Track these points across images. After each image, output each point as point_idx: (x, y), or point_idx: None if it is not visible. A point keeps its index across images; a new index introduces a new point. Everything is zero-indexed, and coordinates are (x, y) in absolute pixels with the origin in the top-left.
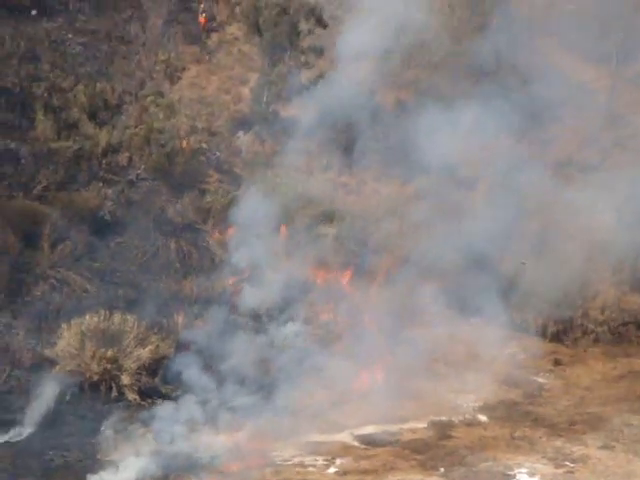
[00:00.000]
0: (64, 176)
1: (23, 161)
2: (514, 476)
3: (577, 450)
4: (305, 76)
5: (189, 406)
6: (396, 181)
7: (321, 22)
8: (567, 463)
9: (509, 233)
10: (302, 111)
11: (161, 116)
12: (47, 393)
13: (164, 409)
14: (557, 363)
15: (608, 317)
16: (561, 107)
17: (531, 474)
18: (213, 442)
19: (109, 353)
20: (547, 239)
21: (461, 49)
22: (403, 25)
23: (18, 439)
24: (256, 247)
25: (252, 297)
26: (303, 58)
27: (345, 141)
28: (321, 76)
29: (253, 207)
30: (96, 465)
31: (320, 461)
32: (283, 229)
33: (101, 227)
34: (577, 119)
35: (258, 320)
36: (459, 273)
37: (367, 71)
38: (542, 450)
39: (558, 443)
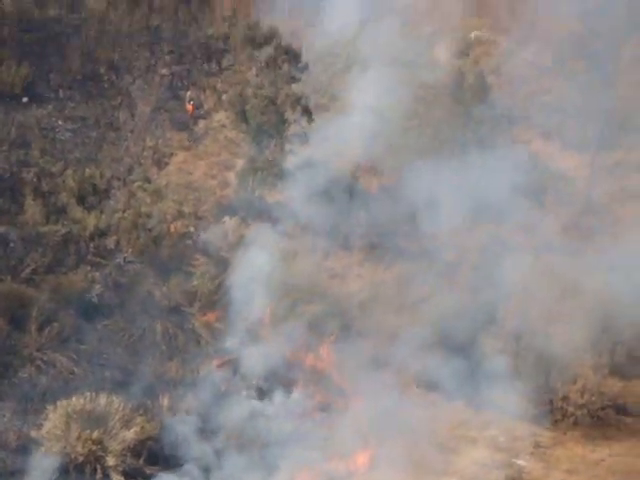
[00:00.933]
0: (52, 259)
1: (12, 245)
2: None
3: None
4: (291, 162)
5: None
6: (379, 265)
7: (307, 111)
8: None
9: (488, 318)
10: (288, 196)
11: (148, 201)
12: (33, 475)
13: None
14: (537, 446)
15: (588, 400)
16: (542, 194)
17: None
18: None
19: (94, 435)
20: (526, 325)
21: (444, 137)
22: (386, 113)
23: None
24: (242, 327)
25: (239, 373)
26: (289, 146)
27: (330, 225)
28: (306, 163)
29: (239, 289)
30: None
31: None
32: (268, 311)
33: (89, 309)
34: (557, 206)
35: (245, 396)
36: (441, 356)
37: (351, 158)
38: None
39: None
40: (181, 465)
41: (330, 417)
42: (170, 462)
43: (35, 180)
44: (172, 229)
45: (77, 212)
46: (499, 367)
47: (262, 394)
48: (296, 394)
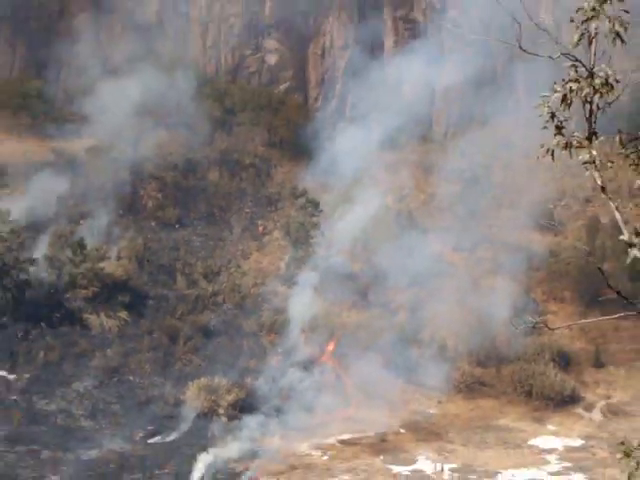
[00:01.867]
0: (191, 307)
1: (170, 300)
2: (416, 459)
3: (449, 446)
4: (313, 256)
5: (254, 424)
6: (361, 309)
7: (321, 231)
8: (444, 453)
9: (419, 333)
10: (311, 273)
11: (240, 277)
12: (182, 417)
13: (241, 424)
14: (439, 402)
15: (465, 379)
16: (443, 272)
17: (426, 457)
18: (266, 442)
19: (212, 397)
20: (438, 337)
21: (391, 242)
22: (361, 231)
23: (168, 439)
24: (290, 341)
25: (289, 362)
26: (311, 249)
27: (335, 289)
28: (322, 256)
29: (287, 321)
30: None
31: (319, 453)
32: (303, 332)
33: (209, 333)
34: (448, 282)
35: (293, 370)
36: (393, 354)
37: (345, 254)
38: (430, 446)
39: (440, 443)
40: (259, 409)
41: (339, 383)
42: (253, 411)
43: (181, 267)
44: (251, 291)
45: (203, 283)
46: (424, 361)
47: (304, 369)
48: (322, 369)
